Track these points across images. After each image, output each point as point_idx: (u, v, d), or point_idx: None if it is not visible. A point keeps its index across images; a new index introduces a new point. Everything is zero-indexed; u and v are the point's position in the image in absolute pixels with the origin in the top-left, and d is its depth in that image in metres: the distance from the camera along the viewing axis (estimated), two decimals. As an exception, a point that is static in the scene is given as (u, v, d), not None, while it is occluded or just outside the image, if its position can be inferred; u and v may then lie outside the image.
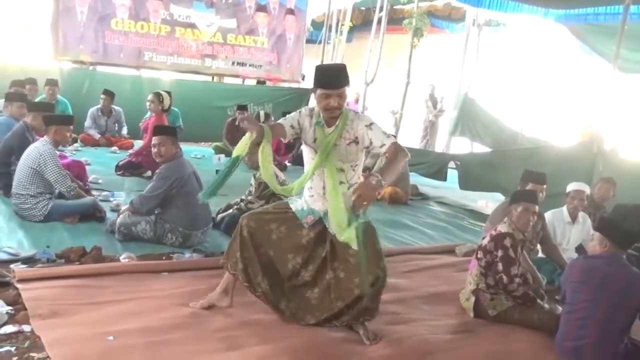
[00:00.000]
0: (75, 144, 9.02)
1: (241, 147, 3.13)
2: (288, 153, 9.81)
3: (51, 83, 8.71)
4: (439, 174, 8.88)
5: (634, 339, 3.43)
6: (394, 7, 13.99)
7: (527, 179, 4.79)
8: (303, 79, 13.39)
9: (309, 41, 14.21)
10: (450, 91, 13.13)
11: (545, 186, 4.75)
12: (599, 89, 8.78)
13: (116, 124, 9.84)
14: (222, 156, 8.42)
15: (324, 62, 13.71)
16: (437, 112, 13.38)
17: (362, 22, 15.92)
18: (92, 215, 5.25)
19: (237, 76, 12.50)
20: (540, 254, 5.01)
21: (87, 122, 9.57)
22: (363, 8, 15.56)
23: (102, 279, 3.87)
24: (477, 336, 3.68)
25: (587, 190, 5.15)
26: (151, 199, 4.78)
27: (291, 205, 3.55)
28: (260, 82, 13.14)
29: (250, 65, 12.30)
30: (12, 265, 3.89)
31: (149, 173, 7.07)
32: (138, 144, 8.67)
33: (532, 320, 3.79)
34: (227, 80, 12.83)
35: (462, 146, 12.63)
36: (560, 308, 3.95)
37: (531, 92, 12.82)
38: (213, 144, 10.37)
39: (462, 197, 8.60)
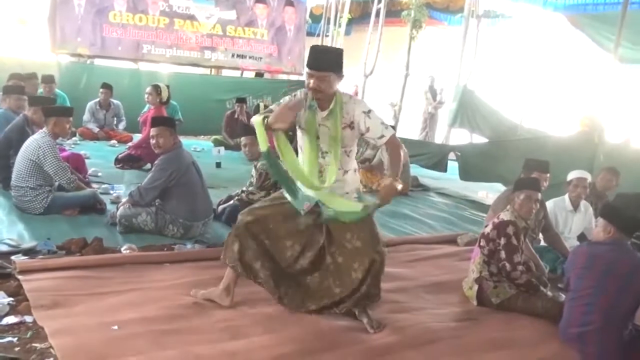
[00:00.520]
0: (74, 138, 8.99)
1: (263, 139, 3.16)
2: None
3: (47, 80, 8.62)
4: (439, 165, 8.88)
5: (638, 325, 3.42)
6: (392, -1, 13.96)
7: (530, 167, 4.78)
8: None
9: (307, 34, 14.17)
10: (450, 83, 13.10)
11: (548, 175, 4.73)
12: (598, 80, 8.75)
13: (115, 118, 9.80)
14: (222, 149, 8.41)
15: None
16: (436, 104, 13.36)
17: (360, 15, 15.89)
18: (93, 207, 5.23)
19: (236, 68, 12.45)
20: (542, 243, 5.00)
21: (86, 116, 9.53)
22: (361, 0, 15.53)
23: (104, 270, 3.86)
24: (480, 324, 3.67)
25: (589, 177, 5.15)
26: (150, 190, 4.76)
27: (286, 195, 3.53)
28: (259, 75, 13.10)
29: (250, 58, 12.25)
30: (13, 257, 3.87)
31: (148, 166, 7.04)
32: (137, 137, 8.64)
33: (535, 307, 3.78)
34: (226, 72, 12.80)
35: (462, 138, 12.61)
36: (563, 296, 3.95)
37: (530, 83, 12.80)
38: (212, 137, 10.35)
39: (462, 188, 8.60)
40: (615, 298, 3.22)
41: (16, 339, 2.91)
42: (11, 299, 3.30)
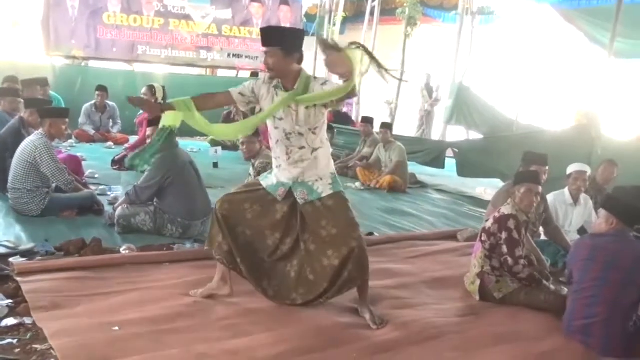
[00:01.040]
0: (70, 140, 8.95)
1: (171, 118, 3.24)
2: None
3: (42, 83, 8.51)
4: (437, 162, 8.88)
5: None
6: (386, -3, 13.97)
7: (528, 160, 4.77)
8: None
9: (302, 33, 14.14)
10: (446, 80, 13.10)
11: (547, 168, 4.72)
12: (593, 75, 8.75)
13: (110, 120, 9.76)
14: (219, 149, 8.38)
15: (317, 54, 13.66)
16: (432, 102, 13.34)
17: (354, 14, 15.89)
18: (90, 208, 5.21)
19: (233, 68, 12.43)
20: (542, 237, 4.98)
21: (82, 119, 9.49)
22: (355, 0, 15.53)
23: (103, 270, 3.83)
24: (483, 318, 3.65)
25: (589, 171, 5.14)
26: (146, 189, 4.75)
27: (262, 183, 3.53)
28: (254, 74, 13.07)
29: (246, 57, 12.24)
30: (10, 259, 3.83)
31: (145, 166, 7.00)
32: (133, 138, 8.60)
33: (538, 301, 3.76)
34: (221, 72, 12.77)
35: (458, 135, 12.61)
36: (565, 289, 3.94)
37: (526, 79, 12.79)
38: (209, 137, 10.30)
39: (460, 185, 8.59)
40: (619, 289, 3.21)
41: (16, 340, 2.88)
42: (10, 300, 3.28)
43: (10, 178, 5.01)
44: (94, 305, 3.33)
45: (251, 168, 5.40)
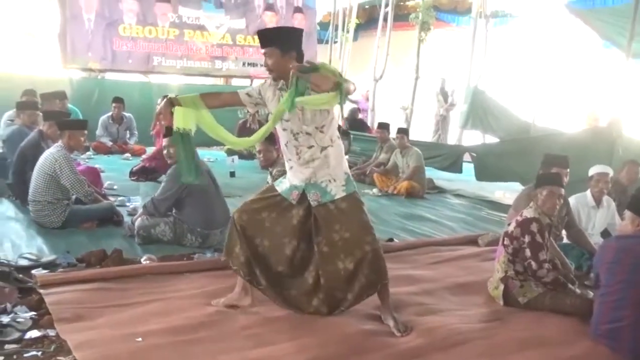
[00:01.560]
0: (88, 152, 9.02)
1: (180, 120, 3.29)
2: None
3: (60, 96, 8.59)
4: (454, 166, 8.83)
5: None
6: (399, 2, 13.96)
7: (549, 163, 4.70)
8: None
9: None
10: (461, 84, 13.04)
11: (568, 170, 4.66)
12: (609, 75, 8.66)
13: (127, 131, 9.84)
14: (236, 157, 8.39)
15: (331, 61, 13.68)
16: (448, 106, 13.29)
17: (367, 20, 15.93)
18: (110, 219, 5.25)
19: (247, 77, 12.47)
20: (565, 240, 4.91)
21: (99, 131, 9.58)
22: (367, 6, 15.55)
23: (124, 281, 3.83)
24: (508, 324, 3.59)
25: (611, 172, 5.06)
26: (163, 201, 4.76)
27: (277, 188, 3.51)
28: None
29: (260, 65, 12.21)
30: (33, 271, 3.86)
31: (163, 177, 7.02)
32: (150, 149, 8.65)
33: (564, 305, 3.70)
34: (235, 81, 12.82)
35: (475, 139, 12.53)
36: (591, 293, 3.87)
37: (542, 81, 12.70)
38: (225, 146, 10.33)
39: (478, 189, 8.53)
40: (647, 292, 3.14)
41: (40, 353, 2.89)
42: (33, 313, 3.29)
43: (30, 190, 5.05)
44: (116, 316, 3.33)
45: (269, 176, 5.39)
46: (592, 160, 5.46)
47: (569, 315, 3.65)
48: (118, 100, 9.53)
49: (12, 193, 5.83)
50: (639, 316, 3.16)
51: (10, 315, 3.19)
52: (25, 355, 2.85)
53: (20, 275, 3.73)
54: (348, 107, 12.04)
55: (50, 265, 4.01)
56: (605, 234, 5.08)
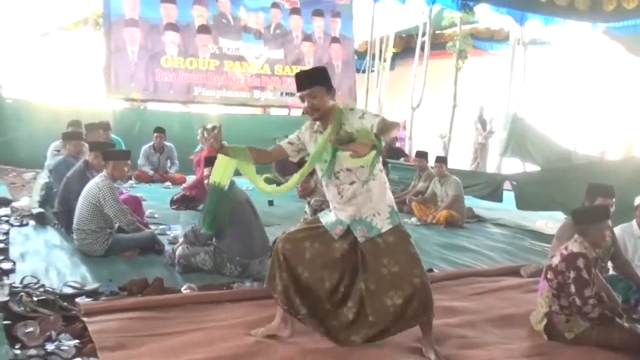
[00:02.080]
0: (130, 181, 9.19)
1: (219, 173, 3.36)
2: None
3: (104, 127, 8.79)
4: (494, 195, 8.71)
5: None
6: (436, 31, 14.00)
7: (594, 193, 4.60)
8: None
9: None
10: (499, 112, 12.94)
11: (614, 200, 4.54)
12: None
13: (168, 160, 10.01)
14: (274, 186, 8.42)
15: (368, 90, 13.75)
16: (486, 134, 13.18)
17: (404, 49, 15.99)
18: (151, 248, 5.30)
19: (285, 107, 12.59)
20: (611, 271, 4.77)
21: (141, 160, 9.76)
22: (404, 35, 15.63)
23: (165, 310, 3.86)
24: (553, 359, 3.50)
25: (658, 201, 4.91)
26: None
27: (322, 220, 3.50)
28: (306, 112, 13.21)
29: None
30: (77, 299, 3.92)
31: (203, 206, 7.11)
32: (190, 178, 8.77)
33: (612, 340, 3.57)
34: (273, 111, 12.96)
35: (514, 167, 12.37)
36: (640, 327, 3.74)
37: (582, 108, 12.52)
38: (263, 175, 10.39)
39: (519, 218, 8.37)
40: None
41: (84, 381, 2.92)
42: (77, 341, 3.33)
43: (75, 219, 5.16)
44: (157, 345, 3.35)
45: (307, 205, 5.41)
46: (637, 189, 5.32)
47: (617, 351, 3.53)
48: (160, 130, 9.73)
49: (58, 221, 5.98)
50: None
51: (55, 343, 3.25)
52: (69, 383, 2.89)
53: (65, 303, 3.80)
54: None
55: (93, 294, 4.08)
56: (653, 265, 4.93)
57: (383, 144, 2.99)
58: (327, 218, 3.49)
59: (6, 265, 4.57)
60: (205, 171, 4.96)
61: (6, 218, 6.19)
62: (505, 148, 12.04)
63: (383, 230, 3.32)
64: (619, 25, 10.47)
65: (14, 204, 6.68)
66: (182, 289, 4.32)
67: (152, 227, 5.98)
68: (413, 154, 10.62)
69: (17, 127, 9.90)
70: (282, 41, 12.22)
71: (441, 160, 8.27)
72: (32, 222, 6.10)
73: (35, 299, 3.73)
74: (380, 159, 3.35)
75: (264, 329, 3.57)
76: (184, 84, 11.33)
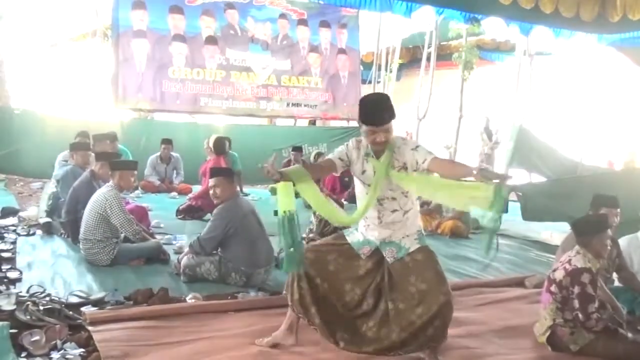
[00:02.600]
0: (137, 191, 9.24)
1: (286, 201, 3.24)
2: (344, 191, 9.76)
3: (111, 138, 8.81)
4: (500, 206, 8.66)
5: None
6: (441, 42, 14.03)
7: (598, 203, 4.59)
8: None
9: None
10: (505, 122, 12.94)
11: (619, 210, 4.54)
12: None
13: (174, 170, 10.06)
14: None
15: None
16: (492, 145, 13.17)
17: (410, 60, 16.00)
18: (157, 257, 5.34)
19: (292, 117, 12.66)
20: (616, 283, 4.76)
21: (147, 170, 9.82)
22: (410, 46, 15.66)
23: (170, 319, 3.89)
24: (558, 370, 3.49)
25: (664, 213, 4.91)
26: (209, 241, 4.81)
27: (347, 238, 3.52)
28: (312, 123, 13.27)
29: (305, 106, 12.46)
30: (82, 308, 3.95)
31: (208, 216, 7.11)
32: (196, 188, 8.81)
33: (616, 351, 3.56)
34: (280, 122, 13.01)
35: (520, 177, 12.34)
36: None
37: (589, 118, 12.50)
38: (269, 185, 10.43)
39: (525, 229, 8.35)
40: None
41: (88, 389, 2.94)
42: (82, 350, 3.35)
43: (82, 229, 5.20)
44: (162, 354, 3.37)
45: (312, 215, 5.43)
46: (643, 201, 5.32)
47: (622, 362, 3.53)
48: (167, 141, 9.80)
49: (64, 231, 6.02)
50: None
51: (60, 352, 3.27)
52: (74, 392, 2.91)
53: (71, 312, 3.82)
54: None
55: (99, 303, 4.10)
56: (658, 277, 4.91)
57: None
58: (353, 237, 3.51)
59: (13, 275, 4.61)
60: (211, 182, 4.98)
61: (13, 227, 6.25)
62: (512, 159, 11.93)
63: (411, 250, 3.36)
64: (626, 37, 10.46)
65: (21, 214, 6.75)
66: (187, 298, 4.34)
67: (158, 236, 6.01)
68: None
69: (25, 137, 9.98)
70: (288, 52, 12.29)
71: (446, 171, 8.25)
72: (39, 232, 6.16)
73: (41, 308, 3.76)
74: None
75: (268, 338, 3.58)
76: (191, 95, 11.41)
